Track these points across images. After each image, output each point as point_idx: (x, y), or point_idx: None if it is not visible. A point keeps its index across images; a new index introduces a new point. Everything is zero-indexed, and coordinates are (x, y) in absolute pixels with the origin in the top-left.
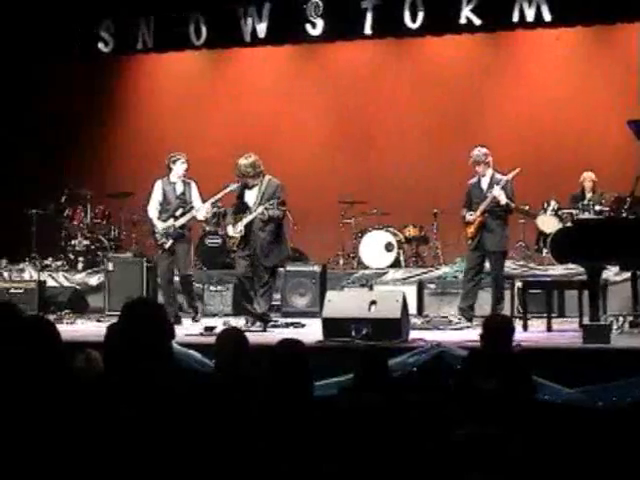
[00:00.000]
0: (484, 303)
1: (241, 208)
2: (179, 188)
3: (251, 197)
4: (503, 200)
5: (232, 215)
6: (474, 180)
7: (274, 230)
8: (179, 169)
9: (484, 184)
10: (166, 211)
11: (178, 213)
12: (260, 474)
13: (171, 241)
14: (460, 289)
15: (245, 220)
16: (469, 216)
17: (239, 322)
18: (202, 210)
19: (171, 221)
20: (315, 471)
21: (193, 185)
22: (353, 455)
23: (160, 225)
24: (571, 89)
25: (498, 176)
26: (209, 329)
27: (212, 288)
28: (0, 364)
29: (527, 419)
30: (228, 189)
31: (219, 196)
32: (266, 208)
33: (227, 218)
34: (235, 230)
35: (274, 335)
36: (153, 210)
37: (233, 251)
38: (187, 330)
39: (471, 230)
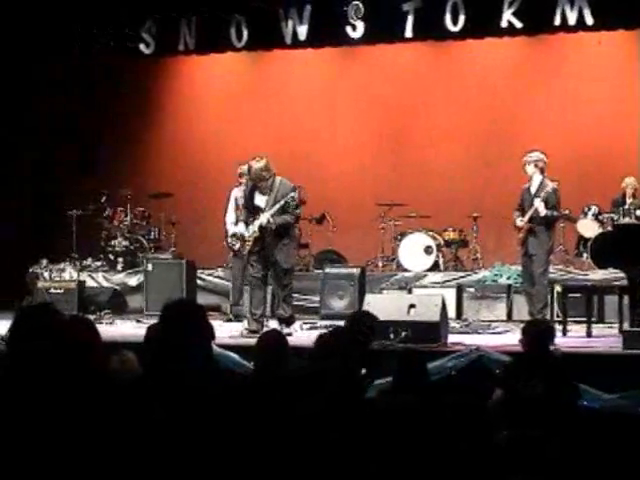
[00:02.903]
0: (522, 307)
1: (252, 210)
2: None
3: (263, 199)
4: (542, 212)
5: (244, 217)
6: (527, 185)
7: (290, 232)
8: (244, 181)
9: (533, 189)
10: (237, 217)
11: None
12: (311, 474)
13: (239, 244)
14: (499, 293)
15: (258, 222)
16: (519, 222)
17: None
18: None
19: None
20: (362, 471)
21: None
22: (391, 456)
23: (230, 229)
24: (613, 93)
25: (546, 183)
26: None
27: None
28: (39, 364)
29: (569, 423)
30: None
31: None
32: (272, 216)
33: (240, 218)
34: (249, 232)
35: (313, 337)
36: (228, 216)
37: (249, 254)
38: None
39: (520, 236)
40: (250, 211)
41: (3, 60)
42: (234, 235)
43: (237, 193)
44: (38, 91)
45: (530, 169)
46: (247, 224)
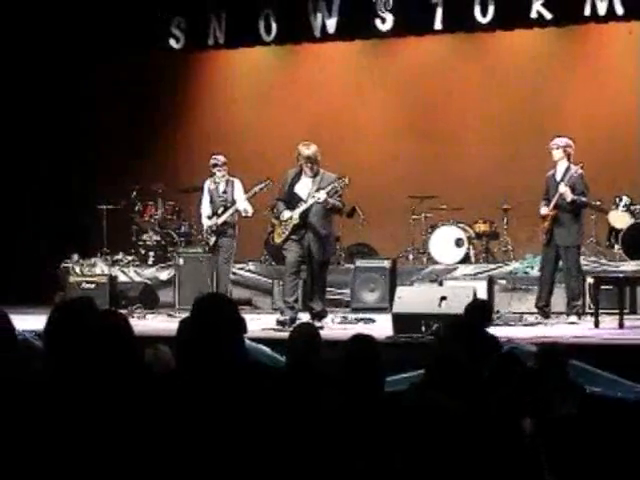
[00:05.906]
0: (558, 299)
1: (293, 198)
2: (222, 187)
3: (304, 188)
4: (569, 197)
5: (283, 204)
6: (551, 172)
7: (329, 223)
8: (217, 173)
9: (558, 176)
10: (212, 210)
11: (220, 211)
12: (335, 471)
13: (214, 238)
14: (530, 285)
15: (301, 209)
16: (543, 210)
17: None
18: (246, 207)
19: (214, 219)
20: (388, 469)
21: (236, 183)
22: (420, 453)
23: (205, 223)
24: None
25: (572, 169)
26: (281, 323)
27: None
28: (74, 359)
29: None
30: (261, 185)
31: (254, 191)
32: (328, 193)
33: (279, 206)
34: (292, 217)
35: (345, 330)
36: (203, 209)
37: (284, 241)
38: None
39: (545, 225)
40: (289, 199)
41: (69, 59)
42: (208, 229)
43: (210, 185)
44: (110, 89)
45: (558, 154)
46: (288, 210)
